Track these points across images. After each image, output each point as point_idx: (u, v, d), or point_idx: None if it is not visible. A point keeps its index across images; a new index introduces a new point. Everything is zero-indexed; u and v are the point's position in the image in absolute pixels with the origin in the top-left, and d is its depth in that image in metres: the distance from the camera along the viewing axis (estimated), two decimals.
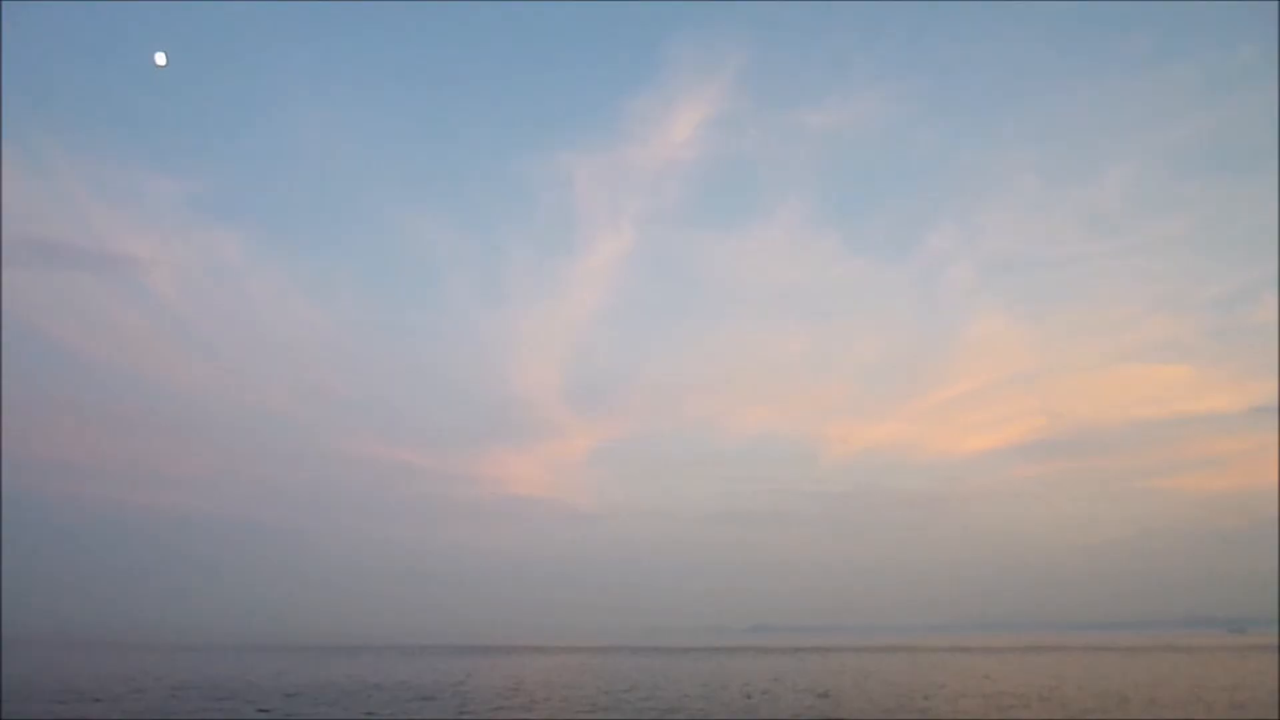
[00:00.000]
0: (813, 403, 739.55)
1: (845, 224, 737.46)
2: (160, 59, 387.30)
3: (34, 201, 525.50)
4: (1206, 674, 65.23)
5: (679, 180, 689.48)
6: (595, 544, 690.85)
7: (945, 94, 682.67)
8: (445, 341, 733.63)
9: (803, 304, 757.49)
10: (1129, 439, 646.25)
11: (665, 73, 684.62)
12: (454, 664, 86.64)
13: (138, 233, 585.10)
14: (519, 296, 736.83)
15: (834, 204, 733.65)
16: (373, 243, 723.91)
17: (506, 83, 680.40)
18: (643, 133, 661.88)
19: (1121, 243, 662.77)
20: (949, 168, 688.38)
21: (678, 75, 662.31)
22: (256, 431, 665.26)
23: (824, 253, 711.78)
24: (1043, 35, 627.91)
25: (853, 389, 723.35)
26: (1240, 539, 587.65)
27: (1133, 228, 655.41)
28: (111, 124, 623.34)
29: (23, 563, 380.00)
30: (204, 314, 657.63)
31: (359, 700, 42.34)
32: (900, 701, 41.54)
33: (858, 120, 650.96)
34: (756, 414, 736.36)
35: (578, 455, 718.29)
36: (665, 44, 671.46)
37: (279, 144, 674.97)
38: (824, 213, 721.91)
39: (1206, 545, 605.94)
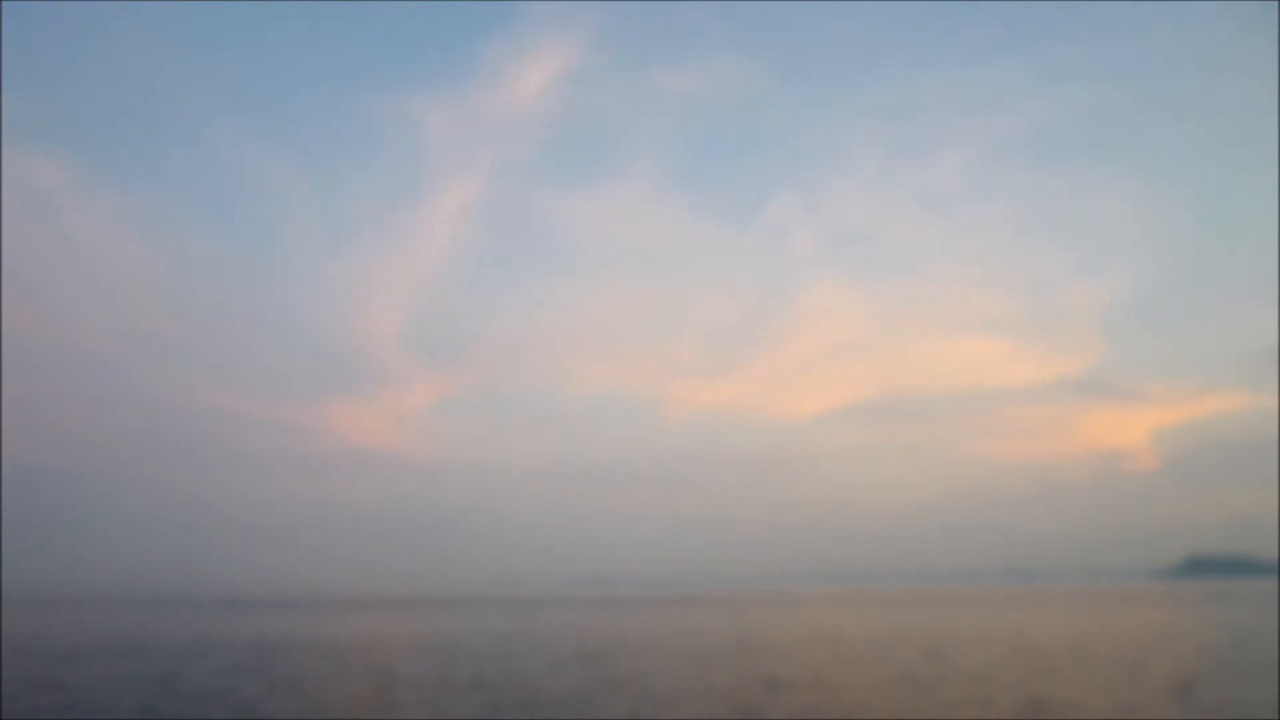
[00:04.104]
0: (656, 362, 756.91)
1: (694, 188, 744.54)
2: None
3: None
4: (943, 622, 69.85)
5: (531, 133, 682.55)
6: (436, 496, 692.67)
7: (796, 67, 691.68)
8: (283, 285, 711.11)
9: (650, 264, 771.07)
10: (949, 406, 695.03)
11: (521, 21, 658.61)
12: (260, 620, 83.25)
13: None
14: (362, 242, 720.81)
15: (684, 167, 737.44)
16: (208, 177, 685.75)
17: (355, 17, 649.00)
18: (495, 81, 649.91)
19: (951, 222, 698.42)
20: (796, 139, 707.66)
21: (534, 25, 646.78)
22: (76, 375, 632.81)
23: (672, 215, 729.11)
24: (890, 19, 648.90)
25: (695, 350, 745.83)
26: (1037, 501, 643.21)
27: (962, 208, 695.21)
28: None
29: None
30: (17, 246, 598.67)
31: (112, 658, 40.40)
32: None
33: (711, 86, 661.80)
34: (601, 371, 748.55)
35: (420, 407, 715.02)
36: None
37: (108, 63, 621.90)
38: (674, 175, 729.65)
39: (1009, 506, 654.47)
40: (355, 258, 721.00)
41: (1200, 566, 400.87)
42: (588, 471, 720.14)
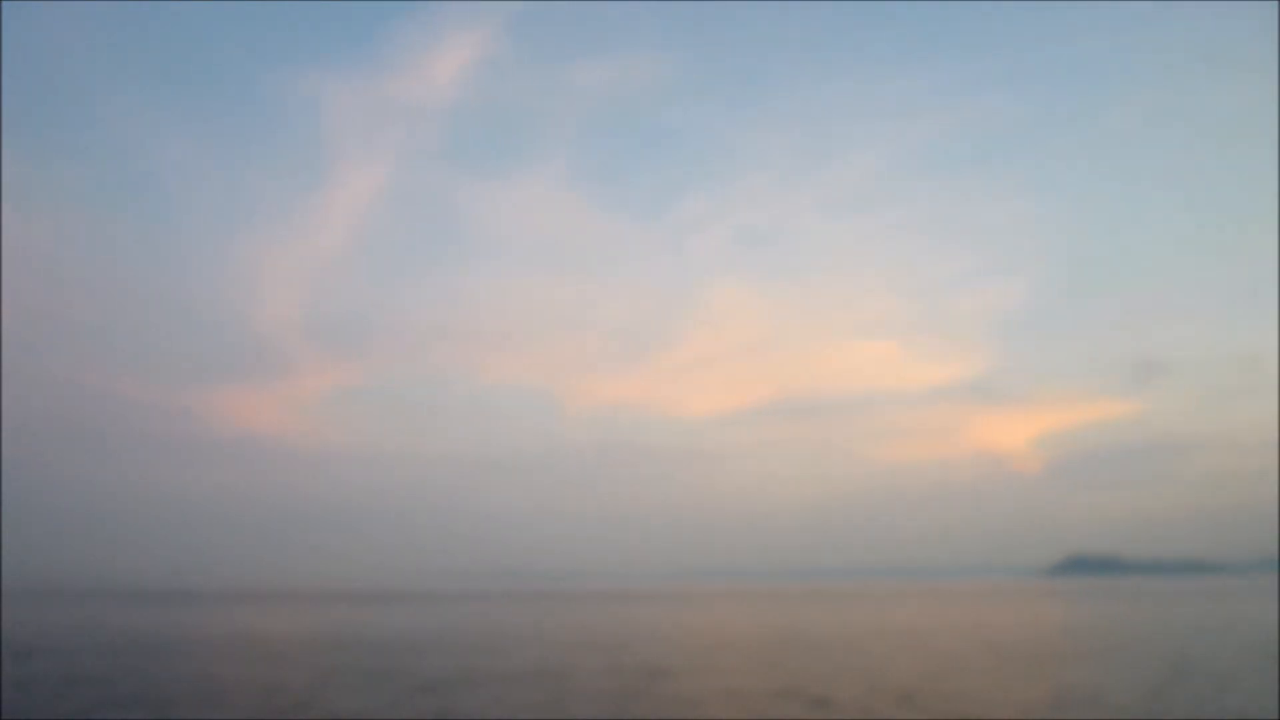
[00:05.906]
0: (560, 356, 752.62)
1: (603, 182, 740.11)
2: None
3: None
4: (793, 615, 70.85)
5: (441, 121, 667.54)
6: (333, 486, 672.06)
7: (709, 66, 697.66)
8: (175, 266, 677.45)
9: (556, 257, 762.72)
10: (845, 407, 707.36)
11: (433, 7, 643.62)
12: (136, 613, 79.56)
13: None
14: (262, 223, 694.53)
15: (594, 161, 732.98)
16: (95, 149, 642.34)
17: None
18: (404, 64, 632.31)
19: (854, 226, 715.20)
20: (706, 138, 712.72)
21: (446, 12, 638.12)
22: None
23: (580, 209, 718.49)
24: (804, 24, 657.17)
25: (599, 345, 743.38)
26: (928, 501, 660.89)
27: (865, 213, 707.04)
28: None
29: None
30: None
31: None
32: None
33: (623, 82, 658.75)
34: (505, 363, 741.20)
35: (318, 395, 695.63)
36: None
37: None
38: (583, 169, 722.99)
39: (901, 505, 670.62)
40: (255, 240, 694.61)
41: (1077, 565, 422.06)
42: (489, 463, 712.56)
